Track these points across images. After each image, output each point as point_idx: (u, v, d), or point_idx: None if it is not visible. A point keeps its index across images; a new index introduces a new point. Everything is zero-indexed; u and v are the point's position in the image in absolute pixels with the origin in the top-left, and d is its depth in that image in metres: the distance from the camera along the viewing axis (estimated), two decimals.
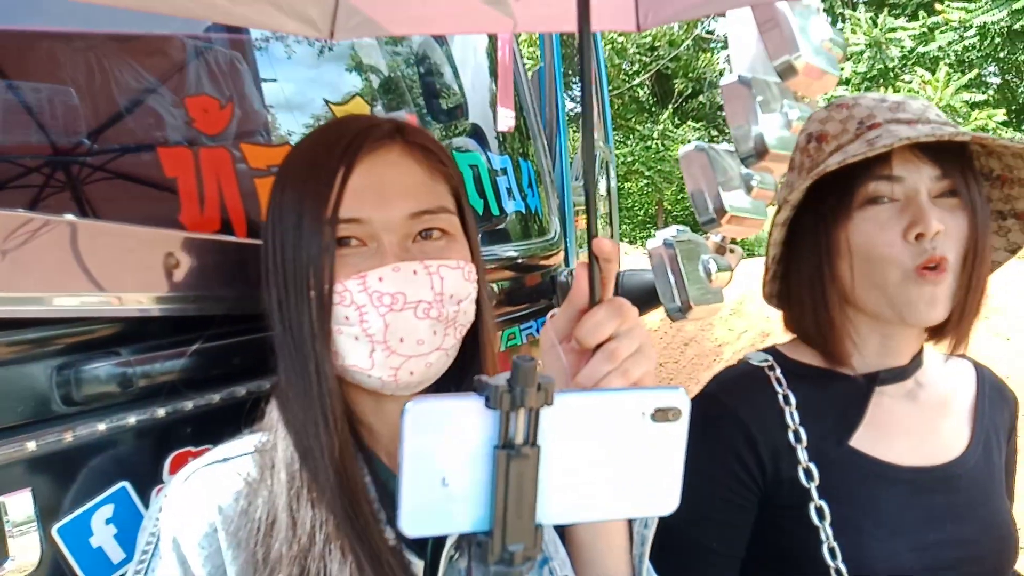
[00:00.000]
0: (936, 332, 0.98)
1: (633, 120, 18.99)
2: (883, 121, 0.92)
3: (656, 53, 17.51)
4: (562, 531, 0.75)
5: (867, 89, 12.36)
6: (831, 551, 0.90)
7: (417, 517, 0.50)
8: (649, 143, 17.10)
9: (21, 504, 0.72)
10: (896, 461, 0.94)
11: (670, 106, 18.17)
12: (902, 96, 0.97)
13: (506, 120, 1.46)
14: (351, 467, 0.72)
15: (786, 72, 1.15)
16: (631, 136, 17.81)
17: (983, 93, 12.35)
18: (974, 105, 11.56)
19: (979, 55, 12.95)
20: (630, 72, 18.23)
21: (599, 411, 0.53)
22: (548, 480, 0.51)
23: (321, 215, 0.70)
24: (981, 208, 0.91)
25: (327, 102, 1.12)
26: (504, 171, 1.44)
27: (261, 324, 0.78)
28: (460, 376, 0.80)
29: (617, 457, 0.54)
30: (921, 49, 13.09)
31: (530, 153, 1.66)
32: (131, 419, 0.80)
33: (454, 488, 0.50)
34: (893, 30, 12.82)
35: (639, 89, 18.75)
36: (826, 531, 0.90)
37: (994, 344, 5.70)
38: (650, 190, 17.65)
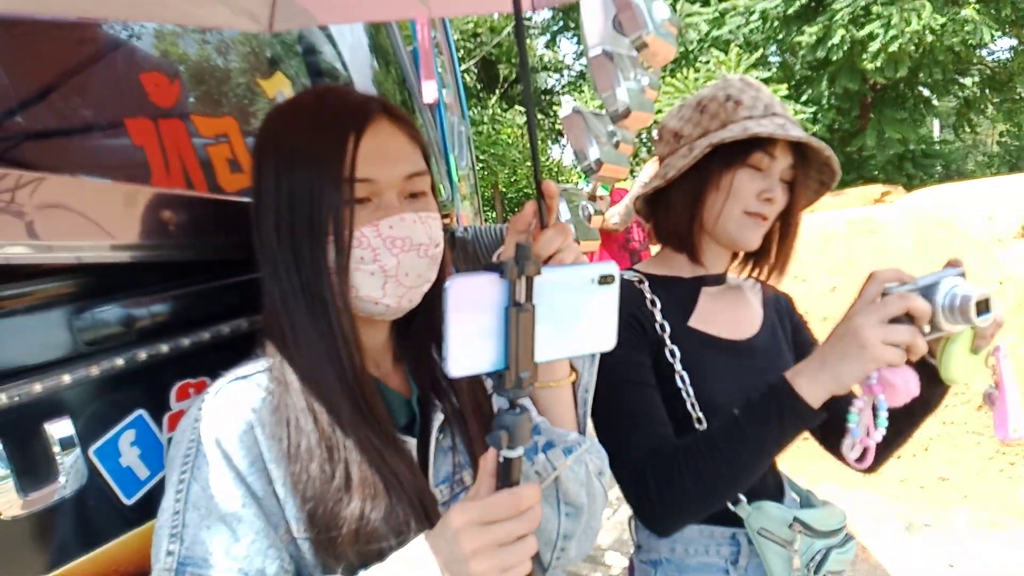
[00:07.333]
0: (756, 262, 1.36)
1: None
2: (779, 112, 1.24)
3: (479, 40, 17.88)
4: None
5: (672, 71, 13.44)
6: (692, 405, 1.21)
7: (458, 363, 0.69)
8: (480, 128, 17.46)
9: (63, 429, 0.83)
10: (719, 335, 1.30)
11: (497, 91, 18.65)
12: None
13: (430, 93, 1.62)
14: (363, 373, 0.87)
15: (640, 46, 1.42)
16: None
17: (768, 71, 13.86)
18: (763, 81, 12.95)
19: (763, 37, 14.49)
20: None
21: (567, 279, 0.74)
22: (539, 328, 0.72)
23: (339, 175, 0.84)
24: (800, 189, 1.28)
25: (257, 79, 1.25)
26: None
27: (237, 270, 0.92)
28: (431, 300, 0.95)
29: (579, 310, 0.75)
30: (715, 32, 14.41)
31: (417, 125, 1.83)
32: (142, 354, 0.91)
33: (481, 340, 0.69)
34: (691, 15, 13.99)
35: (466, 75, 19.06)
36: (687, 390, 1.21)
37: (790, 285, 6.62)
38: (485, 173, 17.99)
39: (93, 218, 0.86)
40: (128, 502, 0.88)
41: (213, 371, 0.89)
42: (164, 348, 0.94)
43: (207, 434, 0.82)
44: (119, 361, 0.88)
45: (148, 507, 0.89)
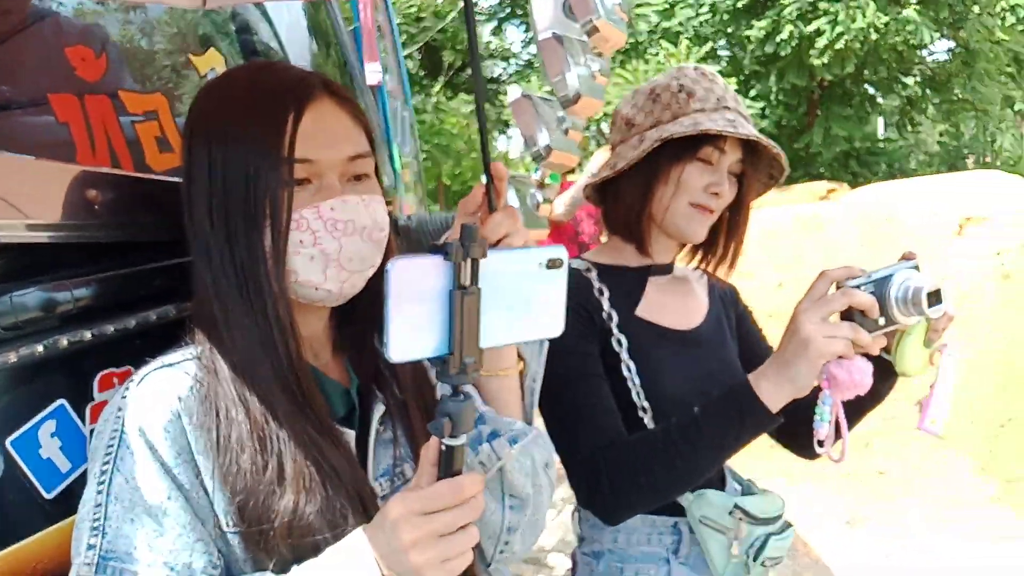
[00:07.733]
0: (706, 254, 1.38)
1: None
2: (731, 107, 1.24)
3: (422, 25, 17.54)
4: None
5: (622, 62, 13.50)
6: (638, 394, 1.22)
7: (400, 347, 0.66)
8: (423, 117, 17.04)
9: None
10: (666, 325, 1.31)
11: (441, 78, 18.34)
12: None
13: (374, 74, 1.57)
14: (300, 362, 0.84)
15: (590, 31, 1.40)
16: None
17: (717, 64, 14.05)
18: None
19: (712, 30, 14.66)
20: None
21: (514, 262, 0.73)
22: (485, 313, 0.70)
23: (277, 155, 0.80)
24: (750, 183, 1.29)
25: (189, 56, 1.19)
26: None
27: (165, 253, 0.87)
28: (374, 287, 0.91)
29: (526, 295, 0.74)
30: (664, 24, 14.53)
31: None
32: (64, 341, 0.86)
33: (423, 324, 0.67)
34: (640, 5, 14.07)
35: (408, 61, 18.74)
36: (633, 380, 1.22)
37: (737, 280, 6.76)
38: (429, 165, 17.47)
39: (9, 196, 0.81)
40: (48, 496, 0.84)
41: (138, 360, 0.85)
42: (87, 335, 0.89)
43: (131, 423, 0.78)
44: (39, 348, 0.83)
45: (69, 501, 0.84)
